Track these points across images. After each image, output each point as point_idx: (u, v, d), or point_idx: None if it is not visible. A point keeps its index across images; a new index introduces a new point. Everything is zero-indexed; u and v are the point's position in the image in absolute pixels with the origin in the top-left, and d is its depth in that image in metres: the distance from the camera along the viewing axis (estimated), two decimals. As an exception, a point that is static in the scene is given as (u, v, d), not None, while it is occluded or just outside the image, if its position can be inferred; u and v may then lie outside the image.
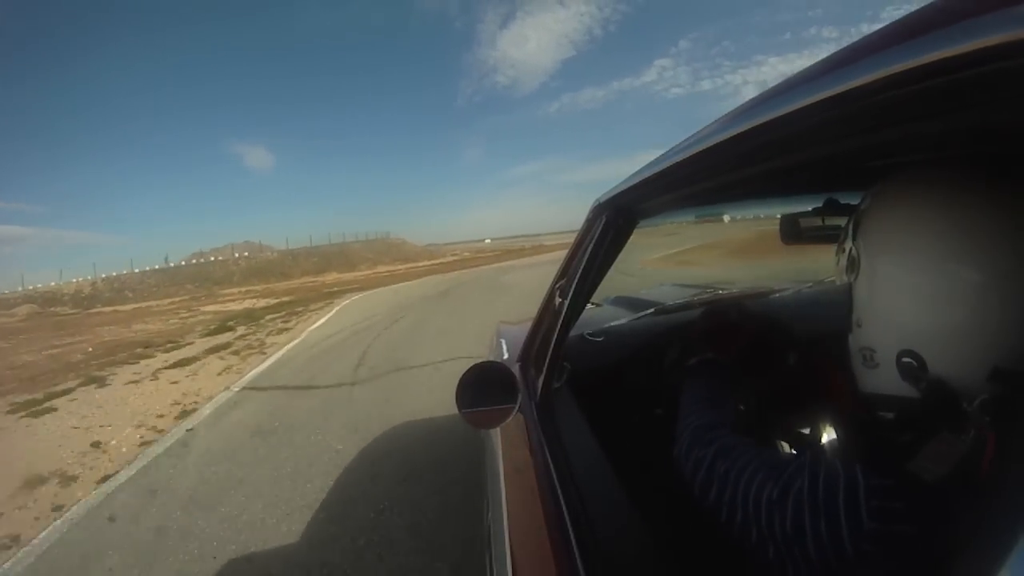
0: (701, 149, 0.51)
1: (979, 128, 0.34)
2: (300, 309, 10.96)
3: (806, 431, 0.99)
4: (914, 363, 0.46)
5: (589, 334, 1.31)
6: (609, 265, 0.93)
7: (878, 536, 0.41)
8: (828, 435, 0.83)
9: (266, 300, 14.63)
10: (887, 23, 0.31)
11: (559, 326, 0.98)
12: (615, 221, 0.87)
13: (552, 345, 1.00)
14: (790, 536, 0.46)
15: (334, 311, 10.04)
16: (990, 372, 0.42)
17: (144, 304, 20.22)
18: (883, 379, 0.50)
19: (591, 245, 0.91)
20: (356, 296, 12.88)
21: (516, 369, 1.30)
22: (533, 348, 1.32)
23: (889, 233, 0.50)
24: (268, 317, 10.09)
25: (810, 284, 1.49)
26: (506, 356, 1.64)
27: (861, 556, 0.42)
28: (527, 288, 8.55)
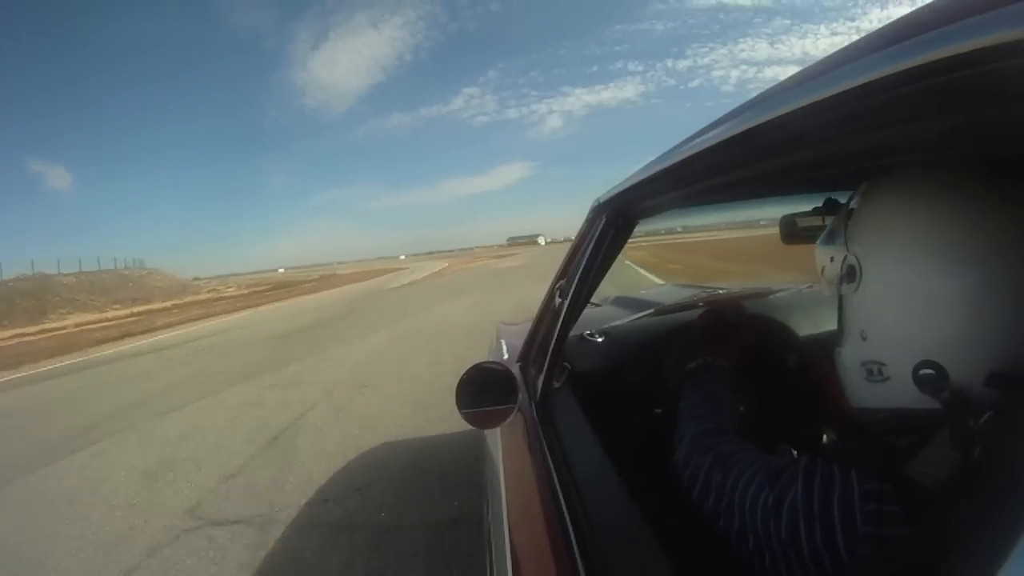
0: (701, 148, 0.51)
1: (978, 128, 0.34)
2: None
3: (804, 433, 0.99)
4: (934, 374, 0.43)
5: (589, 334, 1.31)
6: (609, 265, 0.93)
7: (873, 540, 0.41)
8: (826, 437, 0.83)
9: None
10: (886, 23, 0.31)
11: (559, 326, 0.98)
12: (615, 221, 0.87)
13: (552, 345, 1.00)
14: (786, 542, 0.46)
15: None
16: (989, 374, 0.42)
17: None
18: (894, 393, 0.47)
19: (591, 245, 0.91)
20: None
21: (516, 369, 1.30)
22: (533, 348, 1.32)
23: (900, 238, 0.47)
24: None
25: (810, 284, 1.48)
26: (506, 356, 1.64)
27: (856, 561, 0.42)
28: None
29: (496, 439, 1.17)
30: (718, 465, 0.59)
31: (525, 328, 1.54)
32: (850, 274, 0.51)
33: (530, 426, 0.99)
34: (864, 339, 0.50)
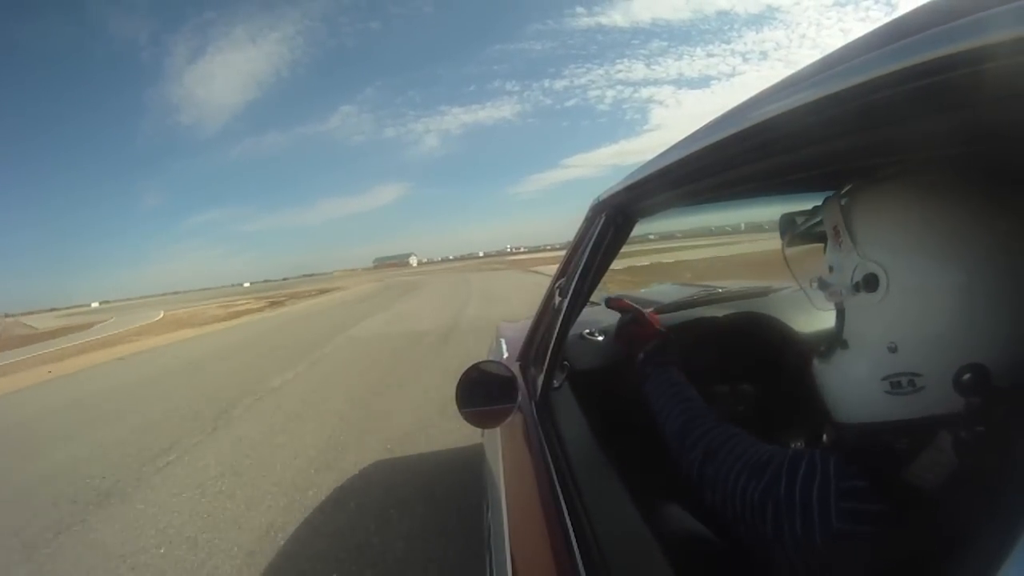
0: (700, 148, 0.51)
1: (977, 126, 0.34)
2: None
3: (802, 434, 0.99)
4: (975, 377, 0.40)
5: (589, 333, 1.31)
6: (608, 264, 0.93)
7: (847, 537, 0.42)
8: (826, 436, 0.83)
9: None
10: (885, 23, 0.31)
11: (559, 325, 0.98)
12: (614, 220, 0.87)
13: (552, 344, 1.00)
14: (771, 537, 0.47)
15: None
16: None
17: None
18: (923, 403, 0.45)
19: (590, 244, 0.91)
20: None
21: (516, 369, 1.30)
22: (533, 347, 1.32)
23: (933, 237, 0.44)
24: None
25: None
26: (506, 356, 1.64)
27: (834, 556, 0.42)
28: None
29: (496, 439, 1.17)
30: (708, 459, 0.58)
31: (525, 327, 1.54)
32: (869, 283, 0.47)
33: (530, 426, 0.99)
34: (893, 351, 0.46)
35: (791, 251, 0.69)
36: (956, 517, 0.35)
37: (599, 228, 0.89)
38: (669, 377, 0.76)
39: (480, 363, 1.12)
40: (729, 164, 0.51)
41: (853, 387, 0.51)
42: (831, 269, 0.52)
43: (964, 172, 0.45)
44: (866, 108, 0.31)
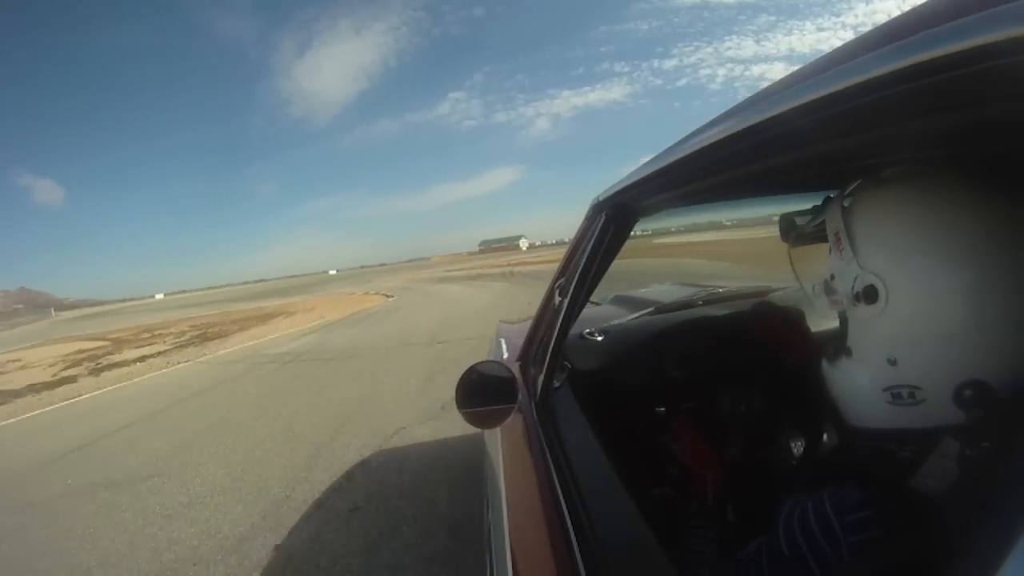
0: (700, 147, 0.51)
1: (977, 126, 0.34)
2: None
3: (803, 435, 0.99)
4: (976, 393, 0.40)
5: (589, 333, 1.31)
6: (608, 264, 0.93)
7: (860, 566, 0.41)
8: (826, 436, 0.83)
9: None
10: (884, 23, 0.31)
11: (559, 325, 0.98)
12: (614, 219, 0.87)
13: (552, 344, 1.00)
14: None
15: None
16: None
17: None
18: (923, 415, 0.45)
19: (590, 244, 0.91)
20: None
21: (516, 369, 1.30)
22: (533, 347, 1.32)
23: (933, 250, 0.43)
24: None
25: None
26: (506, 356, 1.64)
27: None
28: None
29: (496, 439, 1.17)
30: None
31: (525, 327, 1.54)
32: (869, 295, 0.46)
33: (530, 426, 0.99)
34: (893, 364, 0.46)
35: (795, 251, 0.68)
36: (957, 519, 0.35)
37: (599, 228, 0.89)
38: (708, 538, 0.74)
39: (480, 363, 1.12)
40: (729, 164, 0.51)
41: (857, 394, 0.51)
42: (833, 276, 0.51)
43: (965, 180, 0.45)
44: (867, 108, 0.31)
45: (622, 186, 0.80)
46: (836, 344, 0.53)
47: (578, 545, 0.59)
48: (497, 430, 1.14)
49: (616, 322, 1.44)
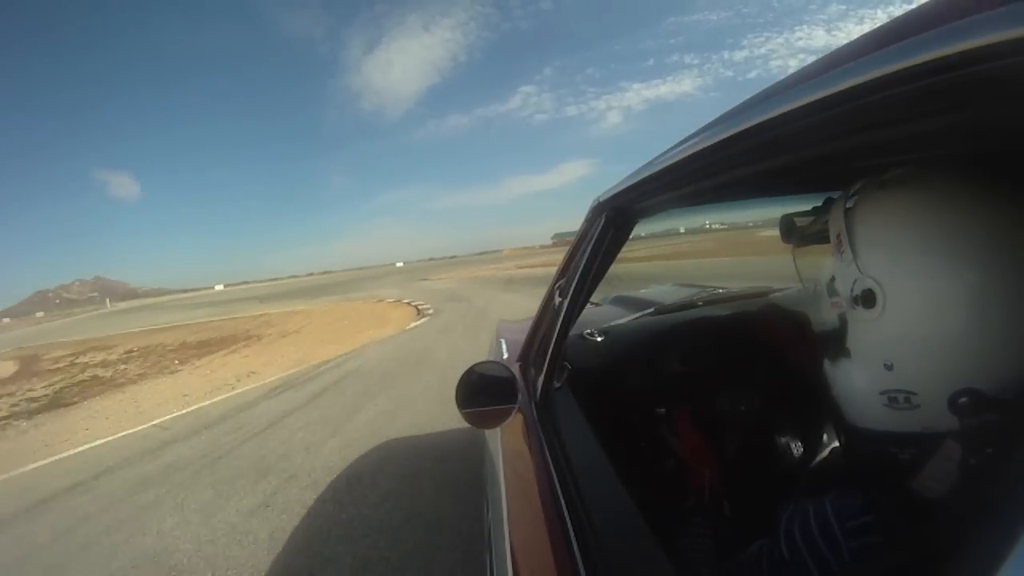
0: (700, 148, 0.51)
1: (979, 127, 0.34)
2: None
3: (803, 435, 0.99)
4: (971, 401, 0.40)
5: (589, 334, 1.31)
6: (609, 264, 0.93)
7: (862, 571, 0.42)
8: (826, 436, 0.83)
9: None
10: (884, 23, 0.31)
11: (559, 326, 0.98)
12: (614, 220, 0.87)
13: (552, 345, 1.00)
14: None
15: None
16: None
17: None
18: (920, 420, 0.45)
19: (590, 244, 0.91)
20: None
21: (516, 369, 1.30)
22: (533, 348, 1.32)
23: (930, 256, 0.43)
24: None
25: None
26: (506, 356, 1.64)
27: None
28: None
29: (496, 439, 1.17)
30: None
31: (525, 327, 1.54)
32: (867, 299, 0.46)
33: (530, 426, 0.99)
34: (889, 368, 0.46)
35: (799, 251, 0.69)
36: (957, 522, 0.35)
37: (599, 228, 0.89)
38: (705, 536, 0.74)
39: (480, 363, 1.12)
40: (729, 164, 0.51)
41: (855, 396, 0.51)
42: (833, 278, 0.51)
43: (968, 185, 0.44)
44: (867, 109, 0.31)
45: (622, 187, 0.80)
46: (837, 345, 0.53)
47: (578, 545, 0.60)
48: (497, 430, 1.14)
49: (616, 322, 1.44)
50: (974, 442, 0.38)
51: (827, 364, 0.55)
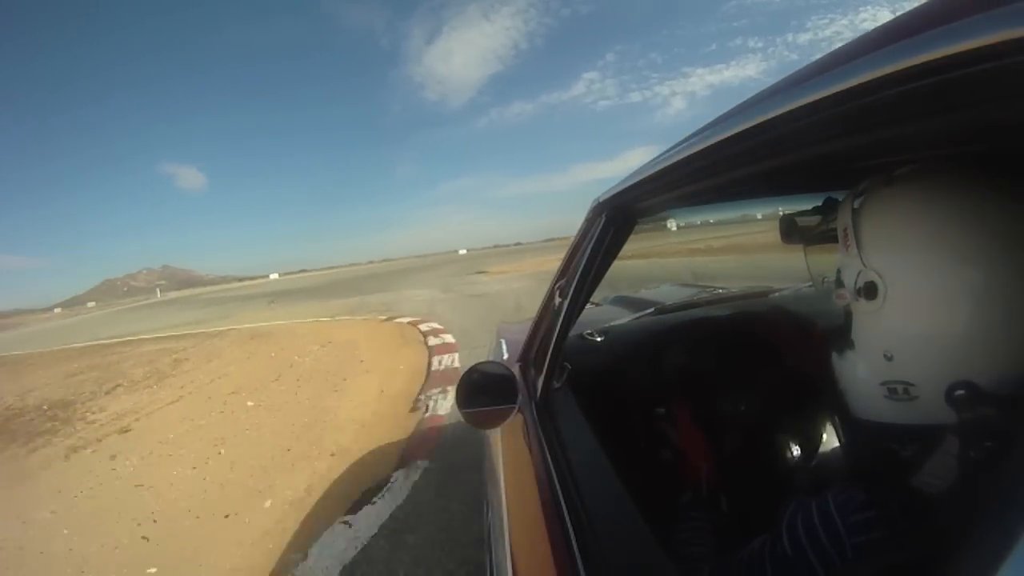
0: (701, 148, 0.51)
1: (980, 127, 0.34)
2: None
3: (803, 436, 0.99)
4: (967, 395, 0.40)
5: (589, 334, 1.31)
6: (609, 264, 0.93)
7: (864, 567, 0.42)
8: (826, 436, 0.83)
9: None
10: (884, 23, 0.31)
11: (559, 326, 0.98)
12: (614, 220, 0.87)
13: (552, 345, 1.00)
14: None
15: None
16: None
17: None
18: (919, 412, 0.45)
19: (590, 244, 0.91)
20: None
21: (516, 369, 1.30)
22: (533, 348, 1.32)
23: (929, 253, 0.44)
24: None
25: (810, 284, 1.48)
26: (506, 356, 1.64)
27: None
28: None
29: (496, 439, 1.17)
30: None
31: (525, 328, 1.54)
32: (869, 291, 0.47)
33: (530, 426, 0.99)
34: (889, 359, 0.47)
35: (811, 249, 0.70)
36: (958, 519, 0.35)
37: (599, 228, 0.89)
38: (704, 530, 0.73)
39: (480, 364, 1.12)
40: (729, 164, 0.51)
41: (858, 386, 0.52)
42: (840, 271, 0.53)
43: (972, 183, 0.45)
44: (867, 108, 0.31)
45: (622, 187, 0.80)
46: (843, 338, 0.54)
47: (578, 545, 0.59)
48: (497, 430, 1.14)
49: (616, 323, 1.44)
50: (975, 439, 0.39)
51: (834, 357, 0.56)
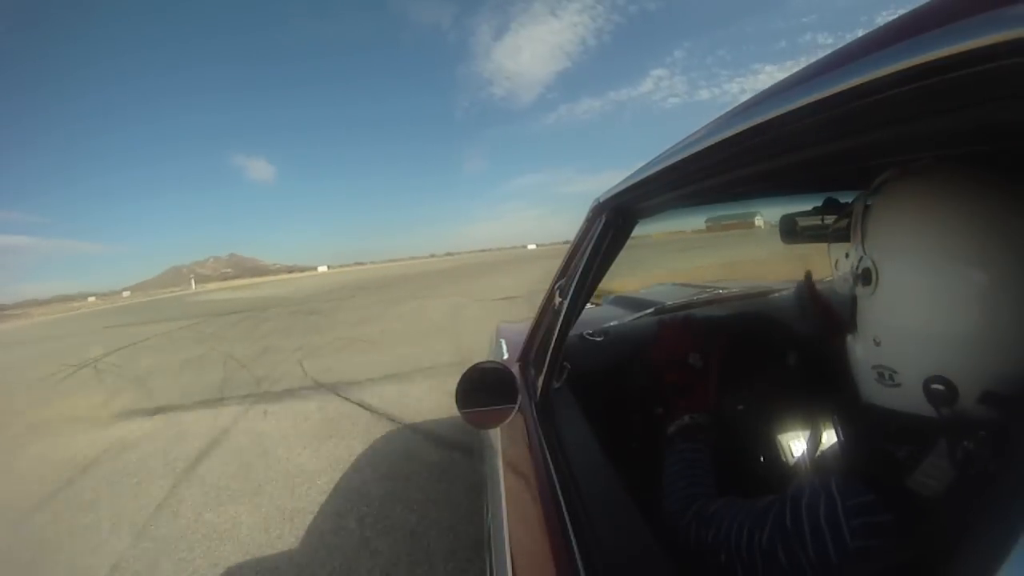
0: (701, 148, 0.51)
1: (982, 127, 0.34)
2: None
3: (802, 438, 0.99)
4: (943, 389, 0.42)
5: (589, 334, 1.31)
6: (609, 265, 0.93)
7: (864, 553, 0.42)
8: (826, 435, 0.83)
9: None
10: (884, 23, 0.31)
11: (559, 326, 0.98)
12: (615, 220, 0.87)
13: (552, 345, 1.00)
14: (787, 570, 0.47)
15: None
16: (986, 392, 0.42)
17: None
18: (904, 400, 0.47)
19: (591, 245, 0.91)
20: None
21: (516, 369, 1.30)
22: (533, 348, 1.32)
23: (919, 245, 0.45)
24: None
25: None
26: (506, 356, 1.63)
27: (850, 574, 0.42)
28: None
29: (496, 439, 1.17)
30: (703, 524, 0.59)
31: (525, 328, 1.54)
32: (865, 277, 0.50)
33: (530, 426, 0.99)
34: (877, 344, 0.49)
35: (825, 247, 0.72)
36: (957, 519, 0.35)
37: (599, 229, 0.89)
38: (697, 456, 0.74)
39: (480, 363, 1.12)
40: (729, 164, 0.51)
41: (858, 367, 0.54)
42: (846, 256, 0.55)
43: (974, 183, 0.45)
44: (867, 109, 0.31)
45: (622, 188, 0.80)
46: (849, 321, 0.56)
47: (578, 545, 0.59)
48: (497, 430, 1.14)
49: (616, 323, 1.44)
50: (975, 437, 0.39)
51: (849, 340, 0.57)
